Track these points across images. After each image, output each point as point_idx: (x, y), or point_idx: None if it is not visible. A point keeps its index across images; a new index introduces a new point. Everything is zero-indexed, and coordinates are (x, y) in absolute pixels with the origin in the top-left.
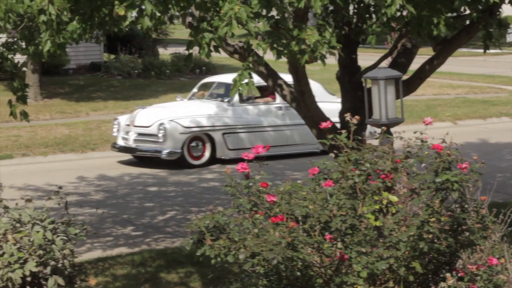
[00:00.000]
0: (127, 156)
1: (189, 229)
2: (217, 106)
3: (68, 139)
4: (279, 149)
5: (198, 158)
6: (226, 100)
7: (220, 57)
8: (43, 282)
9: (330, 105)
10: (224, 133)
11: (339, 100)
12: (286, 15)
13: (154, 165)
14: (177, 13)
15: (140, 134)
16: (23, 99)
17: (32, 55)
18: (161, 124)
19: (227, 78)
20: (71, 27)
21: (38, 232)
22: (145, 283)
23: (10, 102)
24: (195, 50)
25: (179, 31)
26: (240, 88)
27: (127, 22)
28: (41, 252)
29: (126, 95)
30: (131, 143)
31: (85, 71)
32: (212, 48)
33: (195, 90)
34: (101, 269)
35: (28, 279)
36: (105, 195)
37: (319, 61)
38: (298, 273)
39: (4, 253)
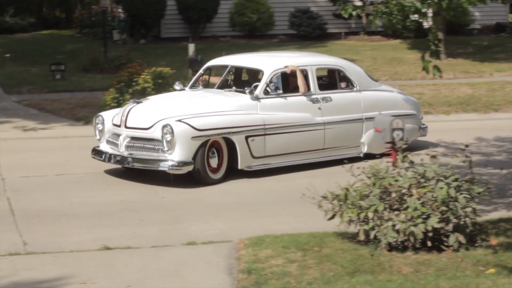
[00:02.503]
0: None
1: None
2: (236, 100)
3: (471, 99)
4: (313, 155)
5: (216, 170)
6: (247, 91)
7: None
8: (444, 239)
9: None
10: (247, 136)
11: (386, 87)
12: None
13: None
14: None
15: (134, 139)
16: (436, 54)
17: (445, 10)
18: (166, 125)
19: (244, 60)
20: None
21: (442, 188)
22: None
23: (423, 57)
24: None
25: None
26: None
27: None
28: (443, 208)
29: None
30: (123, 150)
31: (489, 31)
32: None
33: (196, 76)
34: (503, 229)
35: (429, 234)
36: (509, 156)
37: None
38: None
39: (408, 207)
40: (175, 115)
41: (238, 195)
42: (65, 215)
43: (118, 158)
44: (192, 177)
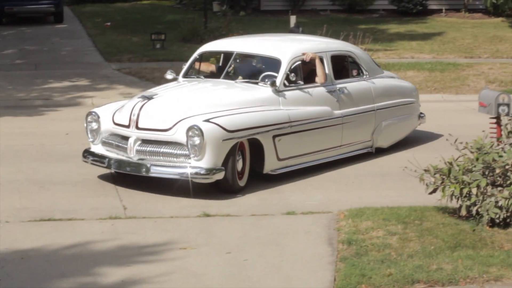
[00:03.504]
0: None
1: None
2: (257, 94)
3: None
4: (330, 153)
5: (240, 176)
6: (269, 82)
7: None
8: None
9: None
10: (275, 136)
11: (388, 73)
12: None
13: None
14: None
15: (148, 142)
16: None
17: None
18: (193, 127)
19: (254, 46)
20: None
21: None
22: None
23: None
24: None
25: None
26: None
27: None
28: None
29: None
30: (132, 155)
31: None
32: None
33: (189, 63)
34: None
35: None
36: None
37: None
38: None
39: (511, 183)
40: (197, 113)
41: (338, 167)
42: (164, 182)
43: (130, 164)
44: (217, 185)
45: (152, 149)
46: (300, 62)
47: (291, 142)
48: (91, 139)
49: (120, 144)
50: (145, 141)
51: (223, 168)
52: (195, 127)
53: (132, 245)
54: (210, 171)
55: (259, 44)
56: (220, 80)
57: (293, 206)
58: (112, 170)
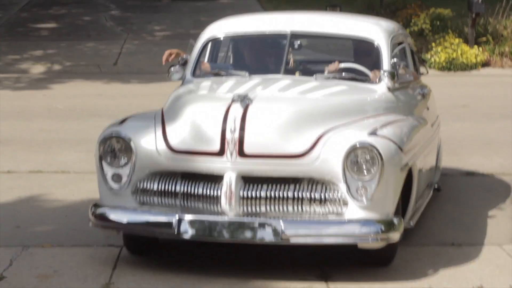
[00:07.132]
0: None
1: None
2: (371, 94)
3: None
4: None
5: None
6: (385, 75)
7: None
8: None
9: None
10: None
11: None
12: None
13: None
14: None
15: (259, 182)
16: None
17: None
18: (357, 146)
19: (317, 24)
20: None
21: None
22: None
23: None
24: None
25: None
26: None
27: None
28: None
29: None
30: (230, 209)
31: None
32: None
33: (197, 54)
34: None
35: None
36: None
37: None
38: None
39: None
40: (332, 124)
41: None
42: None
43: (232, 226)
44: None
45: (271, 193)
46: (402, 45)
47: (422, 171)
48: (115, 186)
49: (196, 191)
50: (253, 180)
51: (401, 218)
52: (365, 145)
53: None
54: (389, 226)
55: (332, 21)
56: (292, 76)
57: (473, 167)
58: (189, 238)
